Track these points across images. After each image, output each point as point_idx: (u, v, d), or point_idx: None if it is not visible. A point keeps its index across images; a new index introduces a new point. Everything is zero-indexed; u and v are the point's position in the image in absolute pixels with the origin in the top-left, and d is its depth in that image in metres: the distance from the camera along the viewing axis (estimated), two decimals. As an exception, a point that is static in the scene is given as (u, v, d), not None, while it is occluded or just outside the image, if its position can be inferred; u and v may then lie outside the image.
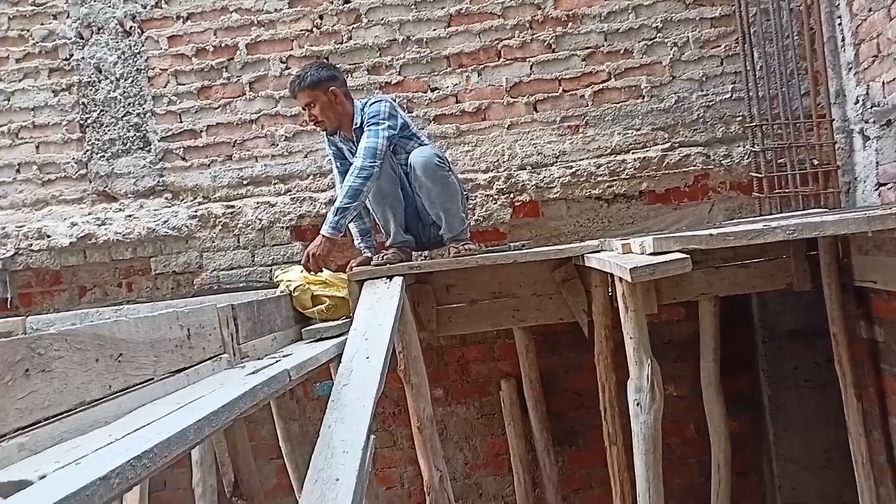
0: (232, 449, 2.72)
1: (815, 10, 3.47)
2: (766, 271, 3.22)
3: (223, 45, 3.75)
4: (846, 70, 3.41)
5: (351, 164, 2.95)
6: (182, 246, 3.70)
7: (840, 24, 3.42)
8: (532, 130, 3.68)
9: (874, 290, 3.04)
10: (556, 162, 3.66)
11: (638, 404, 2.38)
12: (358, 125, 3.01)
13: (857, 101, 3.32)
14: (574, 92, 3.67)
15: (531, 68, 3.67)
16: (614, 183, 3.61)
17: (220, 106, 3.76)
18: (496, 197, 3.65)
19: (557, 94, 3.67)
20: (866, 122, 3.28)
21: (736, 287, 3.25)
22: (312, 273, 2.95)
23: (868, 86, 3.23)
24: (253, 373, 2.17)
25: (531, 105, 3.68)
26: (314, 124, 3.08)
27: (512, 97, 3.69)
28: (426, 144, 3.10)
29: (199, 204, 3.74)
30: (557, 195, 3.63)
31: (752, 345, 3.51)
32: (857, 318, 3.26)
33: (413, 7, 3.67)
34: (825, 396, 3.27)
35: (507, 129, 3.69)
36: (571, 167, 3.63)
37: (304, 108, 3.07)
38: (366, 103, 3.02)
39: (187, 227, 3.68)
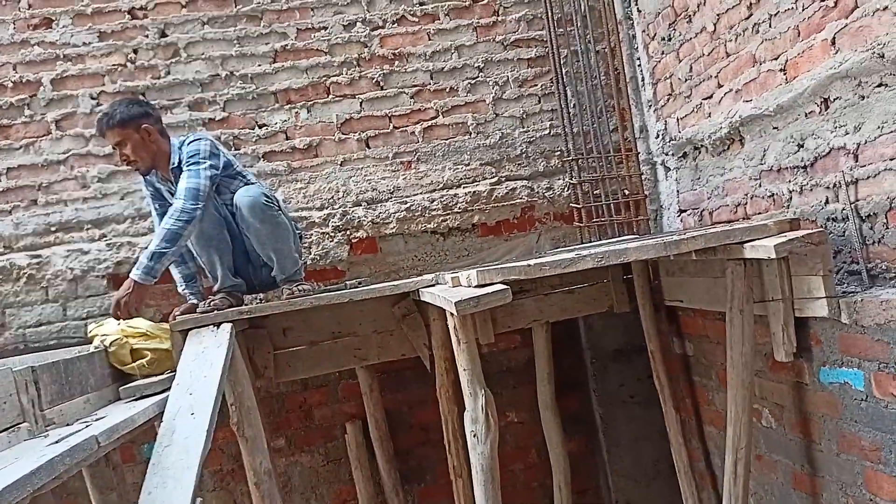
0: (39, 529, 2.43)
1: (618, 52, 3.78)
2: (589, 296, 3.42)
3: (24, 80, 3.44)
4: (647, 107, 3.74)
5: (171, 205, 2.78)
6: (-21, 303, 3.31)
7: (640, 65, 3.76)
8: (365, 166, 3.69)
9: (682, 308, 3.32)
10: (391, 197, 3.68)
11: (474, 435, 2.41)
12: (175, 164, 2.85)
13: (658, 136, 3.64)
14: (405, 128, 3.72)
15: (361, 105, 3.69)
16: (448, 217, 3.69)
17: (21, 146, 3.43)
18: (332, 234, 3.60)
19: (388, 130, 3.72)
20: (667, 154, 3.60)
21: (564, 312, 3.42)
22: (121, 321, 2.72)
23: (666, 121, 3.55)
24: (56, 442, 1.96)
25: (363, 141, 3.70)
26: (126, 164, 2.88)
27: (343, 133, 3.68)
28: (253, 183, 3.00)
29: (0, 255, 3.36)
30: (394, 230, 3.65)
31: (582, 366, 3.69)
32: (671, 335, 3.54)
33: (236, 42, 3.57)
34: (650, 411, 3.50)
35: (341, 165, 3.67)
36: (406, 202, 3.66)
37: (114, 148, 2.86)
38: (183, 141, 2.87)
39: (-15, 281, 3.30)
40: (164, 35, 3.52)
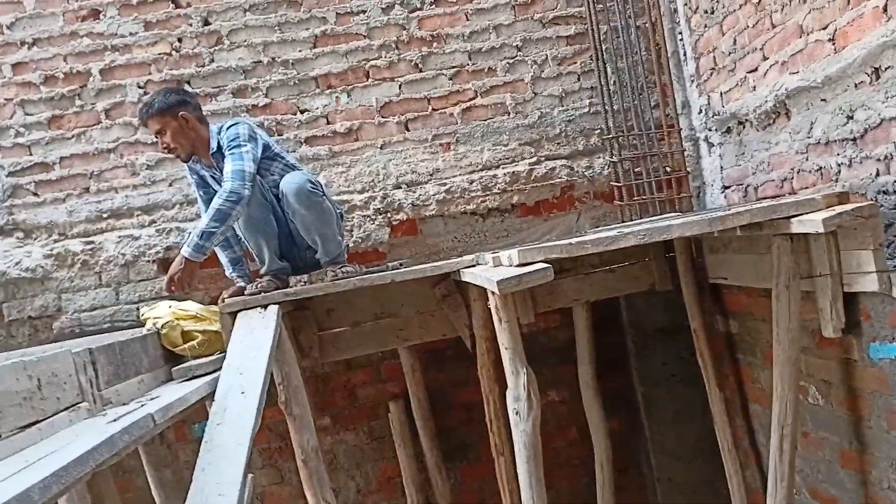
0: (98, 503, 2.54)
1: (659, 27, 3.71)
2: (630, 275, 3.40)
3: (74, 71, 3.54)
4: (690, 82, 3.67)
5: (215, 191, 2.85)
6: (38, 288, 3.45)
7: (682, 39, 3.68)
8: (405, 149, 3.71)
9: (726, 285, 3.28)
10: (431, 179, 3.70)
11: (517, 413, 2.43)
12: (215, 150, 2.92)
13: (701, 111, 3.58)
14: (443, 110, 3.73)
15: (400, 88, 3.71)
16: (487, 198, 3.69)
17: (73, 136, 3.54)
18: (373, 217, 3.64)
19: (427, 112, 3.73)
20: (710, 130, 3.54)
21: (605, 291, 3.41)
22: (172, 303, 2.79)
23: (709, 96, 3.49)
24: (114, 420, 2.04)
25: (402, 124, 3.71)
26: (167, 152, 2.96)
27: (383, 117, 3.70)
28: (294, 165, 3.05)
29: (55, 242, 3.50)
30: (434, 212, 3.67)
31: (623, 345, 3.68)
32: (714, 313, 3.50)
33: (277, 28, 3.61)
34: (692, 389, 3.48)
35: (381, 148, 3.70)
36: (445, 184, 3.68)
37: (155, 136, 2.95)
38: (222, 127, 2.93)
39: (42, 267, 3.43)
40: (207, 23, 3.58)
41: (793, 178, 2.89)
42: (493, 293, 2.43)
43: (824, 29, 2.52)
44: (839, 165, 2.57)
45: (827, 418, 2.73)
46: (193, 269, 2.78)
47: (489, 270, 2.50)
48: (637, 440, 3.77)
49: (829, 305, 2.37)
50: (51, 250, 3.45)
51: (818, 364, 2.68)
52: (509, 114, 3.75)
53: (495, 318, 2.49)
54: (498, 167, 3.73)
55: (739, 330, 3.34)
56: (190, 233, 2.75)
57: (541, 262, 2.25)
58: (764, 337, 3.05)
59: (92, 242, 3.48)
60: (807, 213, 2.28)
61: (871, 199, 2.39)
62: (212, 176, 3.00)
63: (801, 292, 2.50)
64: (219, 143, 2.90)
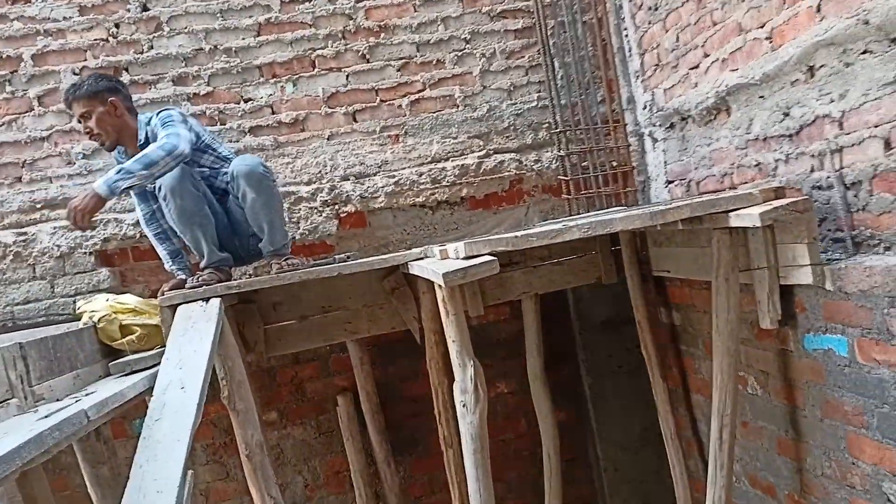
0: (30, 503, 2.45)
1: (605, 22, 3.76)
2: (577, 267, 3.44)
3: (5, 56, 3.39)
4: (635, 78, 3.73)
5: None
6: (-34, 281, 3.30)
7: (627, 36, 3.73)
8: (353, 140, 3.67)
9: (669, 278, 3.34)
10: (379, 171, 3.67)
11: (464, 405, 2.44)
12: (143, 141, 2.83)
13: (645, 107, 3.63)
14: (391, 102, 3.70)
15: (347, 78, 3.66)
16: (437, 190, 3.68)
17: (4, 123, 3.39)
18: (321, 209, 3.59)
19: (375, 103, 3.69)
20: (654, 125, 3.60)
21: (552, 284, 3.44)
22: (77, 228, 2.63)
23: (653, 92, 3.55)
24: (45, 417, 1.96)
25: (350, 115, 3.67)
26: (90, 137, 2.85)
27: (330, 107, 3.65)
28: (226, 157, 2.98)
29: (-15, 233, 3.34)
30: (383, 205, 3.64)
31: (570, 338, 3.72)
32: (658, 305, 3.57)
33: (219, 15, 3.52)
34: (637, 380, 3.54)
35: (328, 139, 3.65)
36: (394, 176, 3.65)
37: (79, 120, 2.82)
38: (150, 117, 2.84)
39: (-29, 259, 3.28)
40: (146, 9, 3.47)
41: (733, 173, 2.96)
42: (440, 286, 2.42)
43: (762, 27, 2.58)
44: (776, 161, 2.64)
45: (765, 408, 2.81)
46: (97, 206, 2.56)
47: (436, 263, 2.49)
48: (584, 431, 3.83)
49: (767, 297, 2.44)
50: (-20, 242, 3.30)
51: (756, 355, 2.76)
52: (458, 106, 3.75)
53: (442, 310, 2.48)
54: (447, 160, 3.73)
55: (682, 322, 3.41)
56: (108, 174, 2.57)
57: (487, 254, 2.25)
58: (705, 328, 3.13)
59: (25, 234, 3.34)
60: (745, 208, 2.34)
61: (806, 194, 2.47)
62: None
63: (739, 284, 2.57)
64: (146, 133, 2.81)
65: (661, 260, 3.26)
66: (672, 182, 3.52)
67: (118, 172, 2.57)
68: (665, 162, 3.56)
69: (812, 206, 2.30)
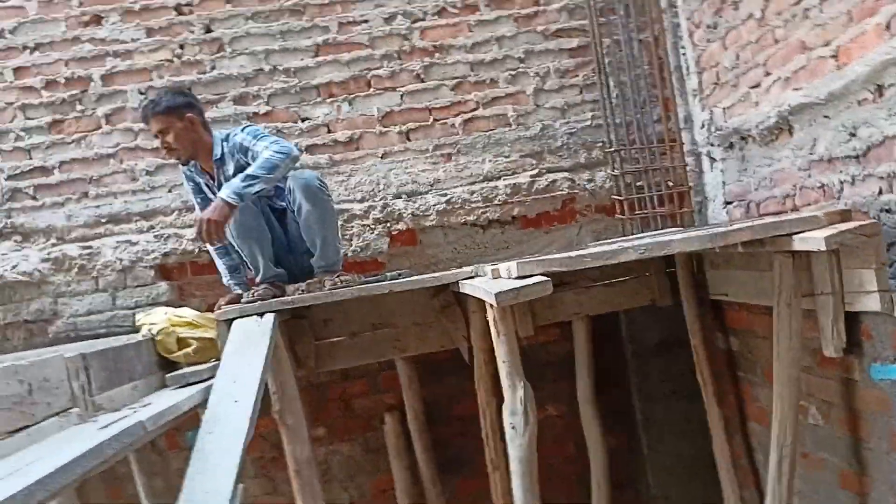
0: (89, 510, 2.52)
1: (661, 41, 3.71)
2: (630, 289, 3.37)
3: (76, 76, 3.54)
4: (692, 97, 3.66)
5: (211, 199, 2.84)
6: (34, 292, 3.42)
7: (684, 54, 3.67)
8: (406, 159, 3.70)
9: (727, 302, 3.25)
10: (431, 190, 3.68)
11: (513, 428, 2.41)
12: (219, 156, 2.91)
13: (703, 126, 3.56)
14: (445, 121, 3.72)
15: (402, 98, 3.70)
16: (488, 209, 3.68)
17: (73, 140, 3.53)
18: (373, 226, 3.62)
19: (429, 122, 3.72)
20: (712, 144, 3.52)
21: (604, 305, 3.38)
22: (206, 243, 2.77)
23: (711, 111, 3.48)
24: (104, 427, 2.02)
25: (404, 134, 3.70)
26: (167, 152, 2.94)
27: (384, 126, 3.69)
28: (286, 176, 3.04)
29: (53, 246, 3.47)
30: (434, 223, 3.65)
31: (622, 361, 3.65)
32: (715, 330, 3.47)
33: (279, 36, 3.61)
34: (691, 406, 3.44)
35: (381, 158, 3.68)
36: (446, 195, 3.66)
37: (156, 136, 2.91)
38: (229, 134, 2.93)
39: (40, 271, 3.41)
40: (209, 31, 3.58)
41: (795, 194, 2.87)
42: (491, 305, 2.41)
43: (827, 45, 2.51)
44: (842, 183, 2.55)
45: (827, 439, 2.69)
46: (229, 215, 2.66)
47: (488, 282, 2.48)
48: (634, 457, 3.73)
49: (831, 324, 2.34)
50: (48, 254, 3.44)
51: (819, 383, 2.65)
52: (511, 125, 3.74)
53: (493, 330, 2.47)
54: (499, 178, 3.72)
55: (740, 347, 3.31)
56: (231, 181, 2.67)
57: (540, 274, 2.23)
58: (764, 355, 3.02)
59: (90, 247, 3.46)
60: (809, 231, 2.26)
61: (874, 218, 2.37)
62: (206, 184, 2.99)
63: (802, 310, 2.48)
64: (223, 149, 2.90)
65: (719, 283, 3.18)
66: (731, 203, 3.44)
67: (243, 180, 2.65)
68: (724, 182, 3.48)
69: (880, 229, 2.21)
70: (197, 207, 3.09)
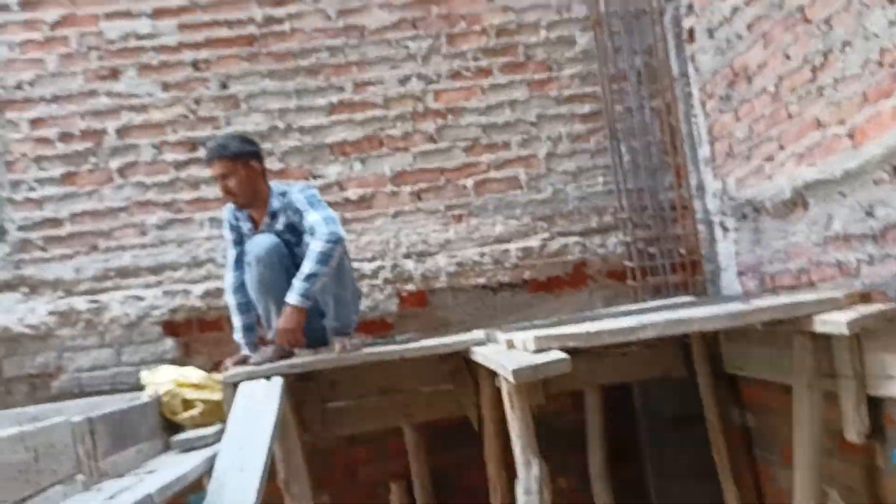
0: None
1: (673, 109, 3.75)
2: (644, 359, 3.32)
3: (91, 129, 3.56)
4: (704, 165, 3.68)
5: (241, 247, 2.91)
6: (39, 345, 3.38)
7: (696, 122, 3.71)
8: (417, 219, 3.70)
9: (743, 377, 3.20)
10: (442, 251, 3.67)
11: (527, 506, 2.34)
12: (274, 209, 2.93)
13: (715, 195, 3.57)
14: (457, 182, 3.73)
15: (414, 158, 3.72)
16: (499, 272, 3.66)
17: (85, 193, 3.54)
18: (382, 287, 3.60)
19: (441, 183, 3.73)
20: (724, 214, 3.52)
21: (618, 375, 3.33)
22: (292, 347, 2.77)
23: (724, 181, 3.49)
24: (110, 498, 1.96)
25: (415, 194, 3.71)
26: (225, 194, 2.93)
27: (396, 186, 3.70)
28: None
29: (60, 298, 3.44)
30: (444, 284, 3.63)
31: (635, 433, 3.57)
32: (730, 404, 3.40)
33: (294, 95, 3.65)
34: (708, 485, 3.31)
35: (393, 217, 3.69)
36: (456, 256, 3.65)
37: (216, 178, 2.91)
38: (287, 190, 2.94)
39: (46, 324, 3.38)
40: (225, 87, 3.62)
41: (811, 269, 2.86)
42: (504, 378, 2.36)
43: (842, 124, 2.53)
44: (859, 261, 2.54)
45: (848, 523, 2.62)
46: (301, 320, 2.71)
47: (502, 354, 2.44)
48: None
49: (853, 409, 2.30)
50: (55, 307, 3.41)
51: (840, 468, 2.59)
52: (523, 188, 3.75)
53: (507, 404, 2.42)
54: (510, 241, 3.71)
55: (757, 424, 3.25)
56: (294, 285, 2.71)
57: (558, 348, 2.20)
58: (782, 434, 2.96)
59: (97, 301, 3.43)
60: (829, 312, 2.23)
61: (894, 298, 2.35)
62: (248, 231, 2.99)
63: (822, 391, 2.43)
64: (279, 203, 2.92)
65: (735, 357, 3.14)
66: (744, 273, 3.42)
67: (304, 280, 2.70)
68: (736, 252, 3.47)
69: (903, 313, 2.19)
70: (231, 246, 3.06)
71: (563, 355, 2.12)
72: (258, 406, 2.59)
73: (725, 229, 3.55)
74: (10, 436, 1.88)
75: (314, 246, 2.74)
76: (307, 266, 2.71)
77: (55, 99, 3.56)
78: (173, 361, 3.35)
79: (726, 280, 3.60)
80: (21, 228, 3.48)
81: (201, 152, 3.52)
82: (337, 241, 2.76)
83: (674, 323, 2.26)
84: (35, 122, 3.54)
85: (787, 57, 2.78)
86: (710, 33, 3.38)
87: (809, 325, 2.28)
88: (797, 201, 2.89)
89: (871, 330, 2.20)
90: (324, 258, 2.72)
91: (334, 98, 3.67)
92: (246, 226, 3.00)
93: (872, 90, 2.36)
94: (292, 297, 2.69)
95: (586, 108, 3.79)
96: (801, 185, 2.79)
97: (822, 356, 2.42)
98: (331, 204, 3.58)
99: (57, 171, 3.53)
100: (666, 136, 3.75)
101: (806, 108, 2.75)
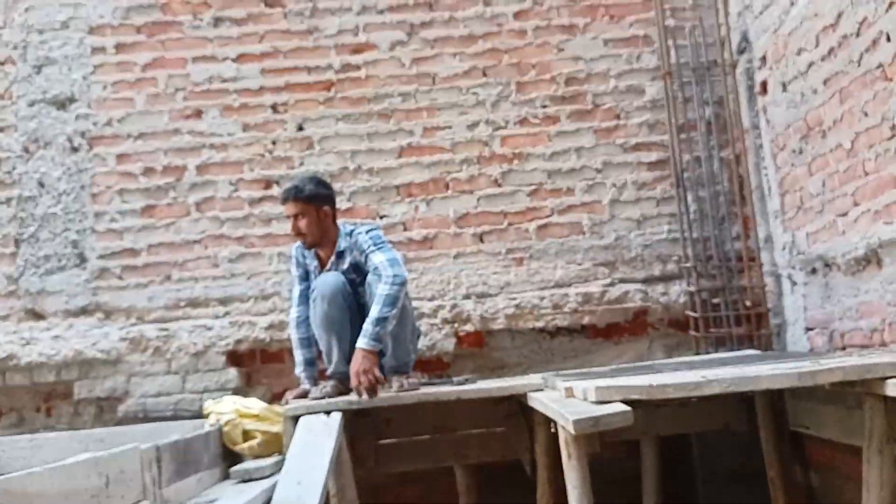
0: None
1: (743, 160, 3.71)
2: (704, 411, 3.24)
3: (172, 165, 3.75)
4: (773, 218, 3.62)
5: (307, 283, 3.02)
6: (109, 370, 3.53)
7: (766, 174, 3.66)
8: (478, 261, 3.74)
9: (808, 435, 3.09)
10: (501, 293, 3.69)
11: (581, 560, 2.29)
12: (341, 249, 3.02)
13: (785, 248, 3.50)
14: (519, 225, 3.76)
15: (478, 201, 3.77)
16: (557, 316, 3.65)
17: (163, 225, 3.71)
18: (440, 326, 3.63)
19: (503, 226, 3.77)
20: (793, 268, 3.44)
21: (676, 426, 3.25)
22: (365, 393, 2.80)
23: (794, 234, 3.42)
24: (175, 527, 2.02)
25: (478, 236, 3.76)
26: (296, 234, 3.04)
27: (459, 227, 3.76)
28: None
29: (132, 325, 3.60)
30: (502, 326, 3.64)
31: (692, 486, 3.47)
32: (794, 462, 3.28)
33: (365, 138, 3.77)
34: (766, 541, 3.22)
35: (454, 258, 3.73)
36: (515, 298, 3.66)
37: (289, 217, 3.04)
38: (354, 230, 3.04)
39: (117, 349, 3.53)
40: (301, 129, 3.77)
41: (884, 329, 2.76)
42: (562, 426, 2.34)
43: (923, 183, 2.46)
44: (938, 324, 2.44)
45: None
46: (376, 360, 2.81)
47: (562, 402, 2.42)
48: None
49: (928, 477, 2.19)
50: (127, 333, 3.56)
51: (915, 538, 2.46)
52: (585, 233, 3.75)
53: (564, 454, 2.39)
54: (570, 286, 3.70)
55: (821, 485, 3.12)
56: (365, 329, 2.81)
57: (619, 401, 2.17)
58: (848, 496, 2.83)
59: (167, 329, 3.57)
60: (905, 377, 2.15)
61: (975, 365, 2.24)
62: (315, 269, 3.09)
63: (894, 456, 2.33)
64: (346, 244, 3.02)
65: (801, 414, 3.03)
66: (812, 329, 3.32)
67: (375, 324, 2.80)
68: (805, 307, 3.37)
69: (983, 382, 2.08)
70: (295, 282, 3.16)
71: (625, 408, 2.09)
72: (316, 441, 2.63)
73: (794, 283, 3.46)
74: (86, 461, 1.97)
75: (381, 290, 2.82)
76: (376, 310, 2.80)
77: (141, 136, 3.76)
78: (235, 391, 3.45)
79: (793, 335, 3.50)
80: (101, 257, 3.67)
81: (276, 190, 3.68)
82: (402, 283, 2.85)
83: (740, 380, 2.20)
84: (121, 157, 3.75)
85: (865, 114, 2.74)
86: (784, 86, 3.35)
87: (882, 388, 2.19)
88: (871, 259, 2.81)
89: (950, 397, 2.10)
90: (391, 301, 2.80)
91: (404, 141, 3.78)
92: (313, 264, 3.10)
93: (955, 150, 2.30)
94: (364, 342, 2.78)
95: (653, 157, 3.79)
96: (875, 242, 2.71)
97: (893, 419, 2.32)
98: (394, 243, 3.67)
99: (138, 203, 3.71)
100: (734, 186, 3.71)
101: (883, 166, 2.68)
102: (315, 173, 3.49)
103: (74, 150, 3.71)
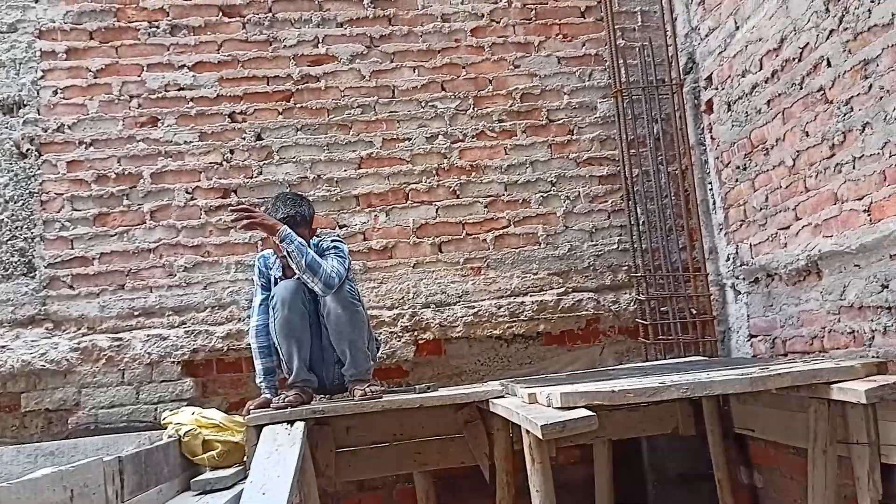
0: None
1: (689, 174, 3.88)
2: (654, 415, 3.37)
3: (126, 172, 3.68)
4: (717, 230, 3.79)
5: (269, 292, 3.04)
6: (59, 381, 3.43)
7: (711, 189, 3.84)
8: (436, 270, 3.79)
9: (752, 437, 3.25)
10: (459, 301, 3.76)
11: (544, 562, 2.36)
12: (313, 249, 3.01)
13: (729, 259, 3.67)
14: (476, 235, 3.84)
15: (437, 211, 3.83)
16: (514, 324, 3.74)
17: (116, 234, 3.63)
18: (400, 334, 3.67)
19: (461, 236, 3.83)
20: (737, 277, 3.62)
21: (627, 430, 3.37)
22: (245, 220, 2.82)
23: (738, 246, 3.59)
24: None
25: (436, 246, 3.82)
26: (276, 253, 3.07)
27: (418, 237, 3.81)
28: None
29: (83, 336, 3.51)
30: (460, 334, 3.70)
31: (643, 489, 3.59)
32: (739, 464, 3.44)
33: (325, 148, 3.78)
34: (714, 544, 3.36)
35: (413, 267, 3.78)
36: (474, 307, 3.73)
37: None
38: (322, 238, 3.09)
39: (67, 360, 3.43)
40: (259, 138, 3.75)
41: (824, 336, 2.93)
42: (528, 432, 2.41)
43: (859, 200, 2.63)
44: (873, 332, 2.62)
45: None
46: (269, 229, 2.82)
47: (526, 408, 2.49)
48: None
49: (867, 475, 2.35)
50: (78, 344, 3.47)
51: (854, 534, 2.62)
52: (540, 244, 3.85)
53: (528, 458, 2.46)
54: (526, 294, 3.80)
55: (765, 485, 3.28)
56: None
57: (583, 406, 2.25)
58: (791, 495, 3.00)
59: (120, 339, 3.50)
60: (847, 381, 2.30)
61: (907, 369, 2.42)
62: (278, 278, 3.08)
63: (836, 458, 2.49)
64: (317, 248, 3.02)
65: (745, 417, 3.19)
66: (755, 336, 3.50)
67: (297, 243, 2.82)
68: (748, 315, 3.55)
69: (918, 384, 2.25)
70: (258, 291, 3.15)
71: (590, 413, 2.17)
72: (280, 451, 2.63)
73: (738, 292, 3.64)
74: (51, 475, 1.93)
75: (324, 261, 2.88)
76: (309, 250, 2.84)
77: (93, 142, 3.68)
78: (191, 401, 3.41)
79: (737, 341, 3.67)
80: (50, 266, 3.57)
81: (232, 199, 3.65)
82: (326, 281, 2.86)
83: (697, 385, 2.32)
84: (72, 164, 3.66)
85: (806, 133, 2.91)
86: (729, 106, 3.53)
87: (827, 392, 2.34)
88: (811, 269, 2.99)
89: (888, 399, 2.26)
90: (313, 266, 2.82)
91: (364, 152, 3.81)
92: (278, 273, 3.09)
93: (891, 170, 2.47)
94: (289, 233, 2.81)
95: (605, 170, 3.93)
96: (815, 255, 2.89)
97: (836, 421, 2.48)
98: (354, 252, 3.72)
99: (90, 211, 3.63)
100: (681, 199, 3.87)
101: (823, 183, 2.86)
102: (295, 192, 3.45)
103: (23, 155, 3.61)
